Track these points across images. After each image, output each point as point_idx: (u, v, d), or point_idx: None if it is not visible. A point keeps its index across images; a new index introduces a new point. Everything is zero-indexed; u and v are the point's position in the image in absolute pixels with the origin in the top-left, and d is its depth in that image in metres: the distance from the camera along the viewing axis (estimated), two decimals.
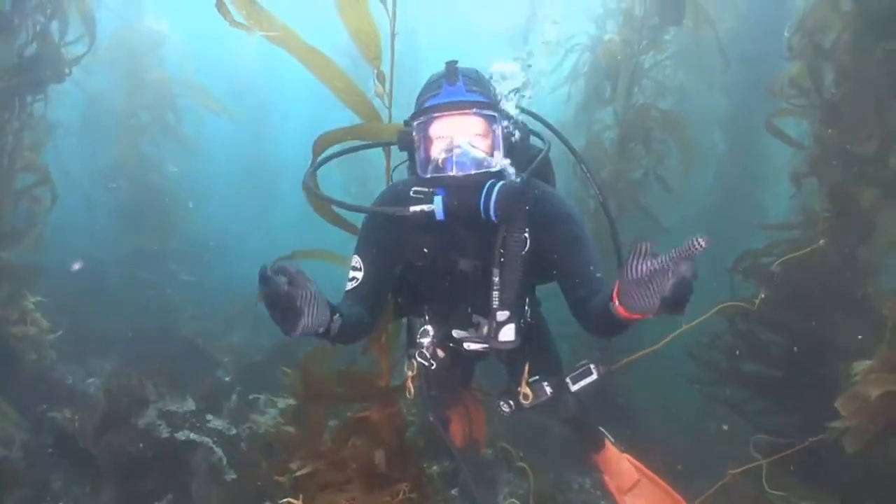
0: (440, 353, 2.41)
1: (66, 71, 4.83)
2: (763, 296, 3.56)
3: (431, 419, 2.63)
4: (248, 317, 8.23)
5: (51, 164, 5.14)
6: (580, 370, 2.41)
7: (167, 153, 10.02)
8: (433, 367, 2.38)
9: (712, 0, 6.70)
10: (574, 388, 2.40)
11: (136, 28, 9.91)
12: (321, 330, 1.66)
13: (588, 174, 2.41)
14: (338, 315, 1.76)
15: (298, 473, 2.43)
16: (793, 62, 4.30)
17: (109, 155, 9.41)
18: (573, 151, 2.39)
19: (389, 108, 2.42)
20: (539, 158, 2.15)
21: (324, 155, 2.27)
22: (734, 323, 4.31)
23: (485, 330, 2.22)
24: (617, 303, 1.58)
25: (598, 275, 2.10)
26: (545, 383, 2.42)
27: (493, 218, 1.92)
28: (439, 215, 1.93)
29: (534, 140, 2.30)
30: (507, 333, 2.18)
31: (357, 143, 2.49)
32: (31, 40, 4.46)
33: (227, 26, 2.12)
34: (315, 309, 1.56)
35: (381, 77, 2.39)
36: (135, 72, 9.62)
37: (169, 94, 9.85)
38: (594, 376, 2.40)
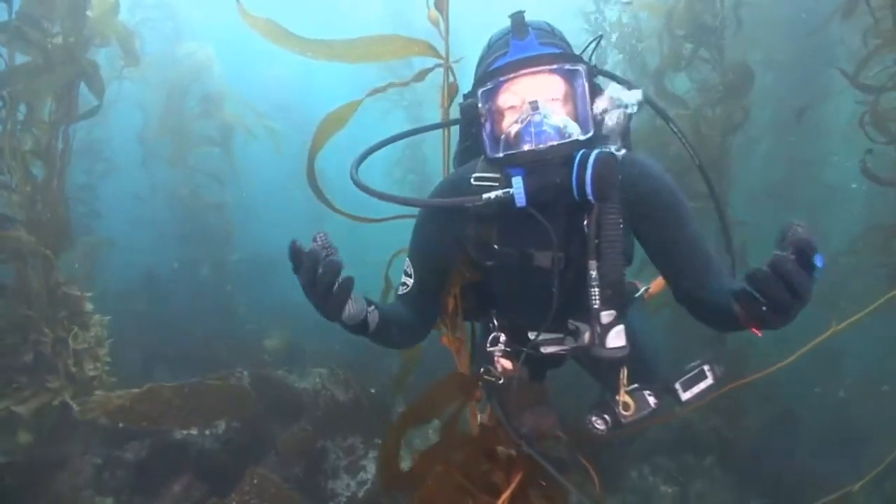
0: (507, 364, 1.93)
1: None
2: None
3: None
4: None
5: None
6: (691, 373, 1.88)
7: (218, 171, 9.92)
8: (500, 382, 1.91)
9: None
10: (685, 396, 1.86)
11: (184, 51, 9.93)
12: (360, 317, 1.48)
13: (683, 138, 1.88)
14: (373, 307, 1.55)
15: None
16: None
17: (163, 173, 9.36)
18: (661, 112, 1.89)
19: (446, 38, 1.99)
20: (626, 123, 1.69)
21: (371, 145, 1.85)
22: None
23: (586, 337, 1.76)
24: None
25: (708, 258, 1.67)
26: (647, 392, 1.87)
27: (591, 196, 1.50)
28: (520, 201, 1.51)
29: None
30: (617, 338, 1.72)
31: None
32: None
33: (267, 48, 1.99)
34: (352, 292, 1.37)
35: (441, 3, 1.97)
36: (184, 93, 9.60)
37: (218, 114, 9.80)
38: (709, 380, 1.87)
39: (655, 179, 1.71)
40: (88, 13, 3.93)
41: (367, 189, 1.66)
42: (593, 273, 1.68)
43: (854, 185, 8.34)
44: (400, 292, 1.86)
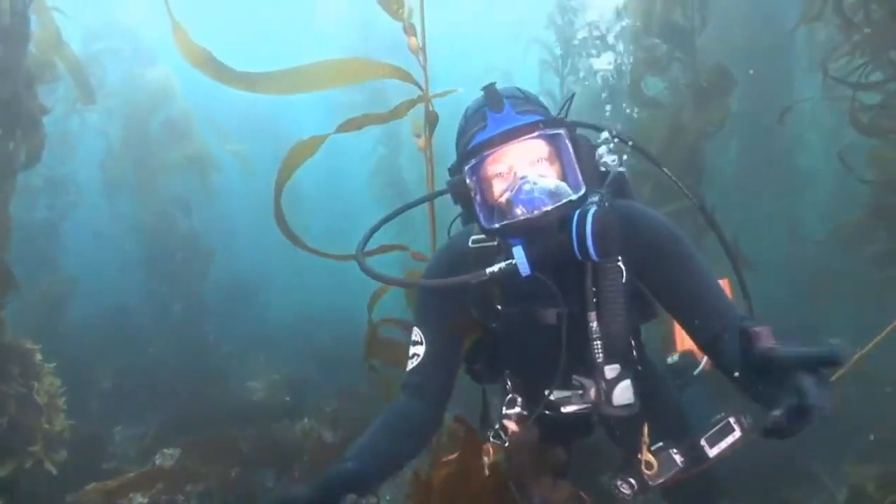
0: (512, 426, 1.87)
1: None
2: None
3: None
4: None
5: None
6: (717, 426, 1.75)
7: (191, 195, 9.58)
8: (506, 445, 1.82)
9: None
10: (712, 452, 1.73)
11: (148, 77, 9.58)
12: None
13: (672, 178, 1.86)
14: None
15: None
16: None
17: (132, 204, 9.01)
18: (645, 153, 1.86)
19: (425, 66, 1.87)
20: (614, 170, 1.73)
21: (373, 225, 1.85)
22: None
23: (592, 393, 1.70)
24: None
25: (720, 302, 1.57)
26: (673, 450, 1.75)
27: (594, 256, 1.49)
28: (524, 271, 1.51)
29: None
30: (624, 394, 1.66)
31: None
32: None
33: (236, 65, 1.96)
34: None
35: (410, 29, 1.83)
36: (149, 119, 9.26)
37: (187, 138, 9.48)
38: (737, 433, 1.73)
39: (650, 220, 1.66)
40: (31, 48, 3.60)
41: (375, 275, 1.65)
42: (593, 325, 1.63)
43: (820, 168, 8.36)
44: (409, 367, 1.77)
